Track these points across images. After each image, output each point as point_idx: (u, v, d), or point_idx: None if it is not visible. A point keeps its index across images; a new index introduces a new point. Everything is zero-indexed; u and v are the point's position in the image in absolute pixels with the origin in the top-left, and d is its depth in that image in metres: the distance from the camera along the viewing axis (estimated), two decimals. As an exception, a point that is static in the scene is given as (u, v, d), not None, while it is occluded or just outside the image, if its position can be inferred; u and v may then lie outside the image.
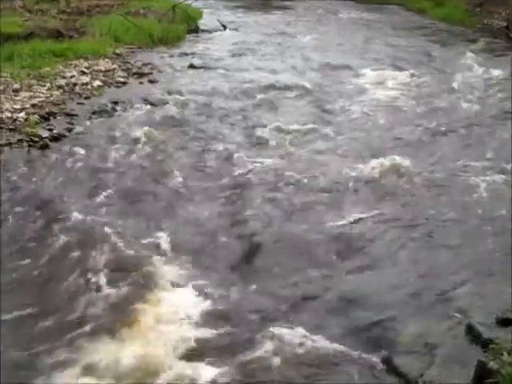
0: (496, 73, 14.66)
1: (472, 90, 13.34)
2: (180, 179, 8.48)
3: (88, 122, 10.73)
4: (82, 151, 9.29)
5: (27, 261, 6.37)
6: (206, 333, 5.32)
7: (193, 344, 5.17)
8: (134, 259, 6.40)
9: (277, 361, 4.93)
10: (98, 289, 5.88)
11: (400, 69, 15.36)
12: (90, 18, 18.25)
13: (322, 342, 5.13)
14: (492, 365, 4.38)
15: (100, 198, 7.88)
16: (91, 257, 6.41)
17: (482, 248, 6.66)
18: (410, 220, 7.42)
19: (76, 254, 6.49)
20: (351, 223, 7.30)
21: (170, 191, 8.21)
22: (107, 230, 6.91)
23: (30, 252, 6.54)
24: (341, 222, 7.31)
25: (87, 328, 5.33)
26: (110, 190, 8.07)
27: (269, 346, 5.07)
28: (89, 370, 4.83)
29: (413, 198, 8.07)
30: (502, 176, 8.49)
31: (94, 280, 5.99)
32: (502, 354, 4.49)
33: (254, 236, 6.99)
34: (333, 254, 6.62)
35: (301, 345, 5.09)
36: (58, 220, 7.17)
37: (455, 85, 13.71)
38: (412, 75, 14.56)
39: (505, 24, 20.50)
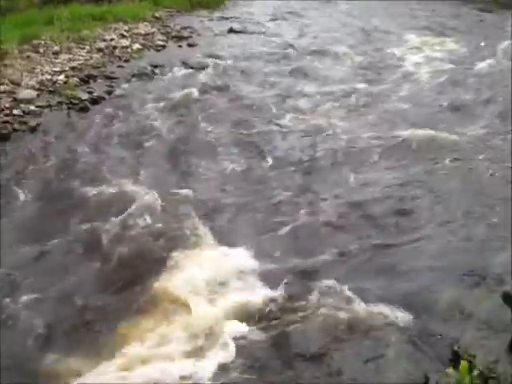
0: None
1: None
2: (211, 149, 8.38)
3: (127, 85, 10.72)
4: (120, 114, 9.28)
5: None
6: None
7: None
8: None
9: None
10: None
11: (440, 35, 14.95)
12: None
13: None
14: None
15: (136, 161, 7.85)
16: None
17: None
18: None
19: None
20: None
21: (204, 148, 8.17)
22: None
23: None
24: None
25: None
26: (145, 152, 8.04)
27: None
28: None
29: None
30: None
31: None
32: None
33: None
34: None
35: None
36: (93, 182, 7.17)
37: (492, 52, 13.28)
38: (452, 41, 14.16)
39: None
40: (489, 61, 12.47)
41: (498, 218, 6.38)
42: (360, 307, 5.08)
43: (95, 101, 9.90)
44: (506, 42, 13.96)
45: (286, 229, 6.26)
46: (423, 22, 16.76)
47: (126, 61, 12.05)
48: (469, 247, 5.94)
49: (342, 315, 4.99)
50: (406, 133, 8.62)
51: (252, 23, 16.13)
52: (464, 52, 13.35)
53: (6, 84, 9.89)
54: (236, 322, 4.92)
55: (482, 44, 14.12)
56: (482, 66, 12.19)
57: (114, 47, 12.63)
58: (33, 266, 5.62)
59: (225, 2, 19.12)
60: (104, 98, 10.05)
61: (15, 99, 9.43)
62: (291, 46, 13.60)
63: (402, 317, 4.98)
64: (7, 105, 9.15)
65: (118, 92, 10.34)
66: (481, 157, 7.91)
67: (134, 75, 11.18)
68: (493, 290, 5.20)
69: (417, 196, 6.95)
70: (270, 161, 7.87)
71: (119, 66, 11.69)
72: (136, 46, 12.95)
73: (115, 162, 7.77)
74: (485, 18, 17.88)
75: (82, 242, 5.99)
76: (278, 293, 5.23)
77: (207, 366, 4.44)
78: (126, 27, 14.17)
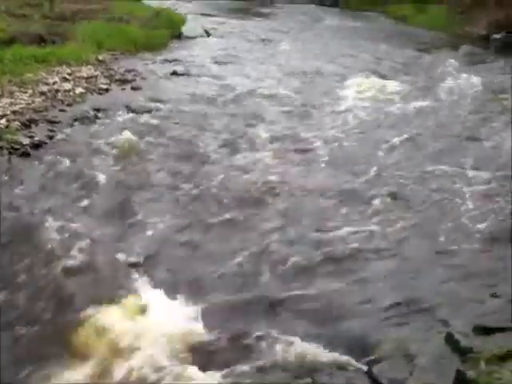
0: (475, 80, 14.79)
1: (451, 96, 13.44)
2: (157, 190, 8.42)
3: (69, 130, 10.66)
4: (62, 159, 9.22)
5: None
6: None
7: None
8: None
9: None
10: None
11: (383, 76, 15.47)
12: (74, 24, 18.21)
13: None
14: (470, 374, 4.41)
15: (78, 207, 7.84)
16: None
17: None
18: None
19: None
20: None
21: (147, 202, 8.12)
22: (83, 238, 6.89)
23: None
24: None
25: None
26: (88, 200, 8.04)
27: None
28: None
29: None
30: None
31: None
32: (480, 363, 4.52)
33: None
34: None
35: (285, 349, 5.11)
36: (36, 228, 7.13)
37: (436, 92, 13.83)
38: (394, 82, 14.64)
39: (485, 32, 20.67)
40: (426, 101, 12.96)
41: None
42: (297, 350, 5.17)
43: (37, 146, 9.78)
44: (443, 83, 14.56)
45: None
46: (363, 63, 17.28)
47: (69, 105, 12.01)
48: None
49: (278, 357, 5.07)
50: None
51: (195, 66, 16.30)
52: (404, 92, 13.80)
53: None
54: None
55: (421, 84, 14.65)
56: (419, 105, 12.64)
57: (57, 91, 12.59)
58: None
59: (169, 45, 19.37)
60: (46, 143, 9.94)
61: (-46, 144, 9.34)
62: (234, 88, 13.79)
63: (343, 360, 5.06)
64: None
65: (59, 137, 10.27)
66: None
67: (76, 119, 11.12)
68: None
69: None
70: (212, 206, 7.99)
71: (61, 110, 11.63)
72: (79, 89, 12.93)
73: (56, 209, 7.75)
74: (424, 58, 18.56)
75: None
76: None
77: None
78: (69, 70, 14.11)
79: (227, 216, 7.63)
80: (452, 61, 17.63)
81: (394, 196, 8.22)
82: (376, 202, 8.03)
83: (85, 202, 7.93)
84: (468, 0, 25.44)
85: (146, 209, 7.80)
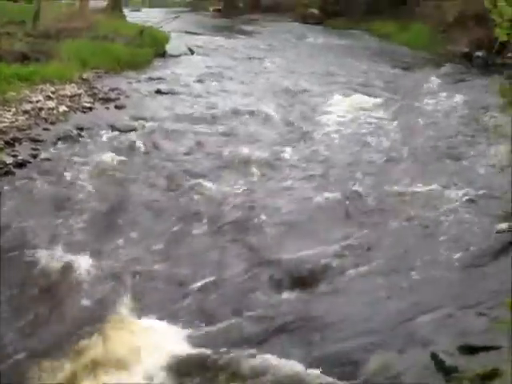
0: (458, 98, 14.92)
1: (434, 115, 13.53)
2: (139, 212, 8.40)
3: (53, 148, 10.63)
4: (45, 178, 9.20)
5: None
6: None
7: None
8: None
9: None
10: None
11: (366, 94, 15.55)
12: (58, 42, 18.18)
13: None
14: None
15: (62, 227, 7.80)
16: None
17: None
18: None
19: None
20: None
21: (130, 222, 8.13)
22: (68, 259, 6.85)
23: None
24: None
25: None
26: (71, 219, 8.01)
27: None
28: None
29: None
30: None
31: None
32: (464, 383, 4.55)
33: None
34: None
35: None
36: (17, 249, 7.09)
37: (419, 110, 13.93)
38: (377, 100, 14.73)
39: (467, 50, 20.86)
40: (408, 119, 13.05)
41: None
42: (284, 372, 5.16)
43: (20, 165, 9.76)
44: (425, 101, 14.67)
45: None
46: (347, 81, 17.39)
47: (52, 123, 11.97)
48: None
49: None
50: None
51: (179, 84, 16.34)
52: (387, 111, 13.89)
53: None
54: None
55: (403, 103, 14.74)
56: (401, 123, 12.72)
57: (41, 109, 12.56)
58: None
59: (153, 63, 19.41)
60: (29, 162, 9.93)
61: None
62: (217, 107, 13.83)
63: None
64: None
65: (43, 155, 10.24)
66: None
67: (59, 138, 11.09)
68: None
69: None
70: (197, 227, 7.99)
71: (45, 129, 11.59)
72: (62, 108, 12.91)
73: (40, 229, 7.72)
74: (407, 76, 18.69)
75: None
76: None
77: None
78: (53, 88, 14.08)
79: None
80: (435, 79, 17.81)
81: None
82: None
83: (65, 223, 7.90)
84: (450, 19, 25.70)
85: (125, 231, 7.79)
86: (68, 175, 9.44)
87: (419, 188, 9.16)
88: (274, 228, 7.93)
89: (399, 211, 8.44)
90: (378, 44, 27.52)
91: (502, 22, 5.79)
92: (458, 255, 7.09)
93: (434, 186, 9.16)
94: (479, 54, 20.70)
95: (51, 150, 10.59)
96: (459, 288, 6.42)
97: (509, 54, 19.97)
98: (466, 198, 8.73)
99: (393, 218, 8.23)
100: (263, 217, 8.16)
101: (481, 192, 8.89)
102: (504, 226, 7.48)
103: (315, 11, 37.65)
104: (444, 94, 15.45)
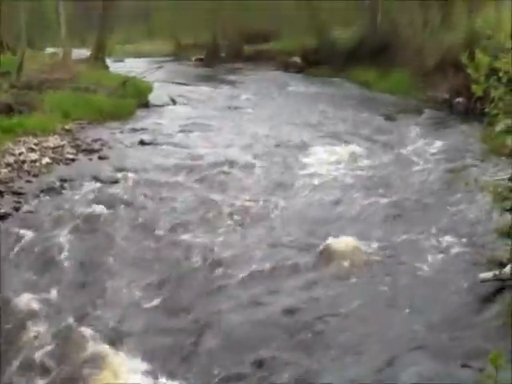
0: (439, 144, 15.05)
1: (415, 162, 13.62)
2: (120, 268, 8.33)
3: (36, 201, 10.64)
4: (28, 232, 9.18)
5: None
6: None
7: None
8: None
9: None
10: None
11: (347, 143, 15.60)
12: (41, 93, 18.27)
13: None
14: None
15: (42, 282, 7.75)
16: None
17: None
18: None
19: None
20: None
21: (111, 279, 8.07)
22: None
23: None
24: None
25: None
26: (53, 274, 7.95)
27: None
28: None
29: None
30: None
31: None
32: None
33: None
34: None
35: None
36: None
37: (400, 158, 14.03)
38: (358, 150, 14.78)
39: (447, 96, 21.10)
40: (389, 167, 13.15)
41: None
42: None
43: (2, 217, 9.77)
44: (406, 148, 14.80)
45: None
46: (328, 130, 17.51)
47: (35, 175, 11.98)
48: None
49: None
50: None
51: (162, 134, 16.38)
52: (368, 159, 13.97)
53: None
54: None
55: (384, 151, 14.85)
56: (382, 171, 12.83)
57: (23, 161, 12.57)
58: None
59: (136, 113, 19.51)
60: (11, 215, 9.94)
61: None
62: (200, 157, 13.83)
63: None
64: None
65: (25, 208, 10.24)
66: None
67: (42, 190, 11.09)
68: None
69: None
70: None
71: (28, 181, 11.61)
72: (45, 159, 12.93)
73: (20, 283, 7.67)
74: (387, 123, 18.87)
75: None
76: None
77: None
78: (36, 140, 14.11)
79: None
80: (415, 126, 17.97)
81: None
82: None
83: (46, 278, 7.87)
84: (430, 65, 26.04)
85: (106, 286, 7.76)
86: (50, 228, 9.43)
87: (400, 236, 9.17)
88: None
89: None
90: (359, 91, 27.74)
91: (478, 77, 5.90)
92: (441, 305, 7.08)
93: (415, 234, 9.18)
94: (459, 100, 20.88)
95: (34, 202, 10.59)
96: (443, 340, 6.39)
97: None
98: (449, 245, 8.76)
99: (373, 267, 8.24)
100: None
101: (464, 240, 8.92)
102: (488, 274, 7.48)
103: (297, 60, 37.98)
104: (425, 141, 15.57)
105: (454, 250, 8.64)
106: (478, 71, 5.97)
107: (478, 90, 6.11)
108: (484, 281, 7.44)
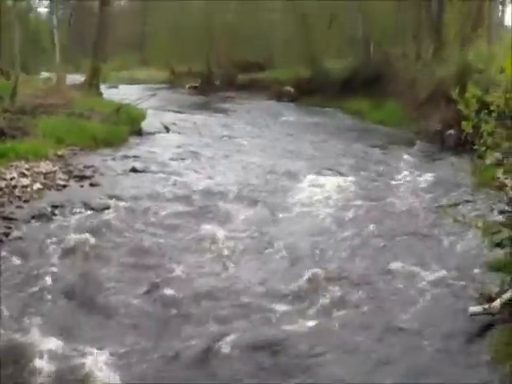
0: (430, 177, 15.13)
1: (405, 194, 13.66)
2: (109, 294, 8.28)
3: (26, 227, 10.59)
4: (17, 259, 9.13)
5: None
6: None
7: None
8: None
9: None
10: None
11: (340, 174, 15.66)
12: (34, 118, 18.33)
13: None
14: None
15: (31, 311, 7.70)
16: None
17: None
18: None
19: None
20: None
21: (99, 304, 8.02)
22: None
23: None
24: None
25: None
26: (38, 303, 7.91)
27: None
28: None
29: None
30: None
31: None
32: None
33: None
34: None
35: None
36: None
37: (390, 190, 14.06)
38: (351, 181, 14.79)
39: (439, 128, 21.22)
40: (380, 199, 13.18)
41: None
42: None
43: (-8, 243, 9.78)
44: (397, 179, 14.86)
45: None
46: (320, 160, 17.58)
47: (26, 201, 11.96)
48: None
49: None
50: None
51: (154, 162, 16.42)
52: (359, 190, 14.01)
53: None
54: None
55: (375, 182, 14.89)
56: (373, 203, 12.87)
57: (15, 186, 12.55)
58: None
59: (128, 140, 19.55)
60: (1, 241, 9.91)
61: None
62: (191, 186, 13.82)
63: None
64: None
65: (15, 234, 10.19)
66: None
67: (33, 216, 11.05)
68: None
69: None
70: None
71: (19, 207, 11.58)
72: (37, 185, 12.92)
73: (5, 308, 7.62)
74: (380, 154, 18.97)
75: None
76: None
77: None
78: (28, 165, 14.11)
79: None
80: (407, 157, 18.08)
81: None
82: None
83: (31, 304, 7.82)
84: (422, 97, 26.25)
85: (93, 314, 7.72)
86: (39, 255, 9.39)
87: (388, 269, 9.17)
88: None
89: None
90: (352, 122, 27.93)
91: (469, 113, 5.96)
92: (429, 341, 7.05)
93: (404, 267, 9.17)
94: (451, 132, 20.98)
95: (24, 228, 10.55)
96: (430, 375, 6.38)
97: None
98: (438, 278, 8.74)
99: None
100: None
101: (453, 273, 8.90)
102: (478, 308, 7.47)
103: (290, 89, 38.28)
104: (416, 173, 15.63)
105: (444, 283, 8.60)
106: (468, 107, 6.03)
107: (467, 127, 6.17)
108: (474, 314, 7.42)
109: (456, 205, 12.49)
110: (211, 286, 8.60)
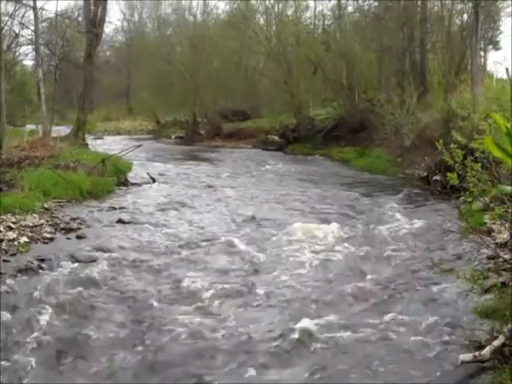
0: (417, 223, 15.15)
1: (392, 242, 13.64)
2: (98, 350, 8.17)
3: (13, 281, 10.50)
4: (3, 312, 9.04)
5: None
6: None
7: None
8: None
9: None
10: None
11: (326, 222, 15.64)
12: (20, 171, 18.35)
13: None
14: None
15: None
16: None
17: None
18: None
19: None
20: None
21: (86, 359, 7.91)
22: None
23: None
24: None
25: None
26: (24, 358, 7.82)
27: None
28: None
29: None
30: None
31: None
32: None
33: None
34: None
35: None
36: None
37: (378, 237, 14.06)
38: (337, 228, 14.79)
39: (425, 174, 21.36)
40: (366, 246, 13.19)
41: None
42: None
43: (-22, 296, 9.69)
44: (383, 226, 14.86)
45: None
46: (305, 208, 17.60)
47: (13, 255, 11.89)
48: None
49: None
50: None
51: (140, 213, 16.45)
52: (344, 238, 13.99)
53: None
54: None
55: (363, 230, 14.89)
56: (359, 251, 12.85)
57: (1, 240, 12.49)
58: None
59: (115, 192, 19.57)
60: (-13, 296, 9.83)
61: None
62: (178, 237, 13.82)
63: None
64: None
65: (2, 289, 10.08)
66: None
67: (19, 270, 10.96)
68: None
69: None
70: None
71: (5, 261, 11.49)
72: (23, 238, 12.86)
73: None
74: (366, 201, 19.02)
75: None
76: None
77: None
78: (14, 219, 14.08)
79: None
80: (394, 203, 18.11)
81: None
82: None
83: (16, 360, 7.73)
84: (407, 143, 26.53)
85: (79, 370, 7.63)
86: (26, 309, 9.30)
87: (376, 318, 9.13)
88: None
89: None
90: (338, 169, 28.08)
91: (453, 164, 6.03)
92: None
93: (392, 315, 9.14)
94: (437, 178, 21.12)
95: (11, 282, 10.45)
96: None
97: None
98: (428, 326, 8.71)
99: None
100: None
101: (445, 320, 8.87)
102: (468, 356, 7.43)
103: (275, 138, 38.54)
104: (403, 220, 15.66)
105: (433, 331, 8.58)
106: (453, 158, 6.10)
107: (453, 178, 6.22)
108: (464, 362, 7.38)
109: (443, 249, 12.54)
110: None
